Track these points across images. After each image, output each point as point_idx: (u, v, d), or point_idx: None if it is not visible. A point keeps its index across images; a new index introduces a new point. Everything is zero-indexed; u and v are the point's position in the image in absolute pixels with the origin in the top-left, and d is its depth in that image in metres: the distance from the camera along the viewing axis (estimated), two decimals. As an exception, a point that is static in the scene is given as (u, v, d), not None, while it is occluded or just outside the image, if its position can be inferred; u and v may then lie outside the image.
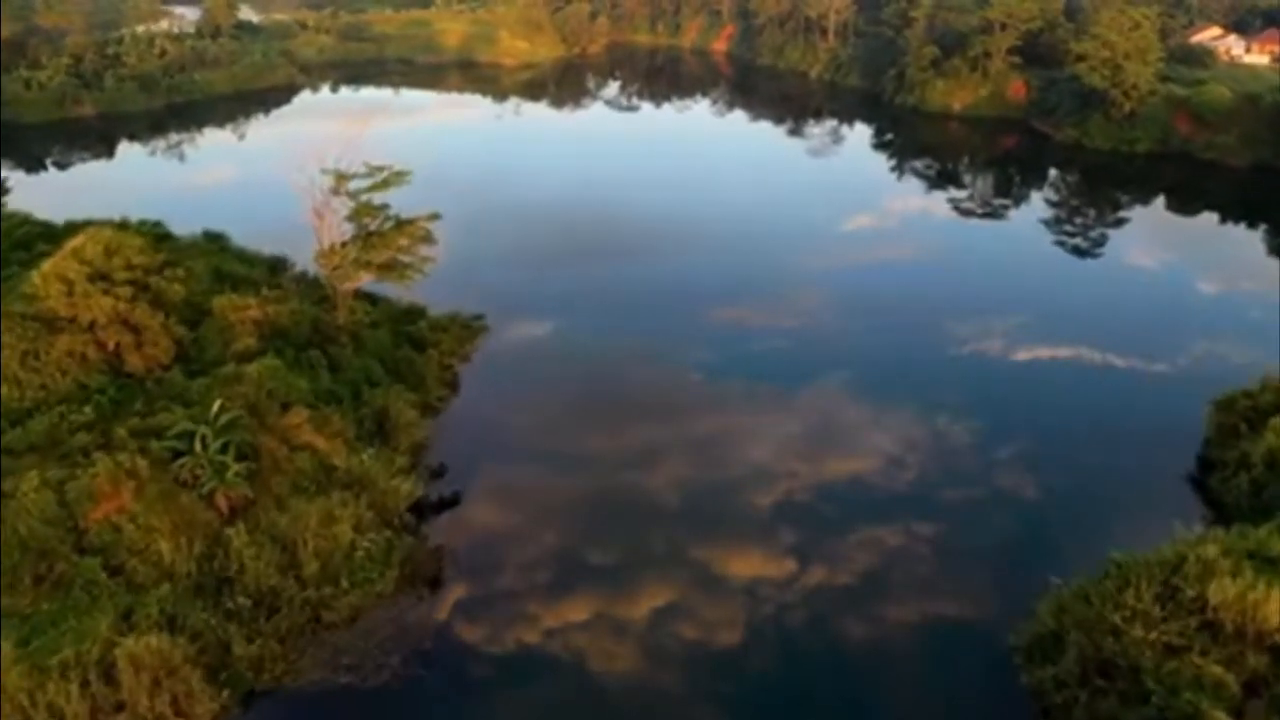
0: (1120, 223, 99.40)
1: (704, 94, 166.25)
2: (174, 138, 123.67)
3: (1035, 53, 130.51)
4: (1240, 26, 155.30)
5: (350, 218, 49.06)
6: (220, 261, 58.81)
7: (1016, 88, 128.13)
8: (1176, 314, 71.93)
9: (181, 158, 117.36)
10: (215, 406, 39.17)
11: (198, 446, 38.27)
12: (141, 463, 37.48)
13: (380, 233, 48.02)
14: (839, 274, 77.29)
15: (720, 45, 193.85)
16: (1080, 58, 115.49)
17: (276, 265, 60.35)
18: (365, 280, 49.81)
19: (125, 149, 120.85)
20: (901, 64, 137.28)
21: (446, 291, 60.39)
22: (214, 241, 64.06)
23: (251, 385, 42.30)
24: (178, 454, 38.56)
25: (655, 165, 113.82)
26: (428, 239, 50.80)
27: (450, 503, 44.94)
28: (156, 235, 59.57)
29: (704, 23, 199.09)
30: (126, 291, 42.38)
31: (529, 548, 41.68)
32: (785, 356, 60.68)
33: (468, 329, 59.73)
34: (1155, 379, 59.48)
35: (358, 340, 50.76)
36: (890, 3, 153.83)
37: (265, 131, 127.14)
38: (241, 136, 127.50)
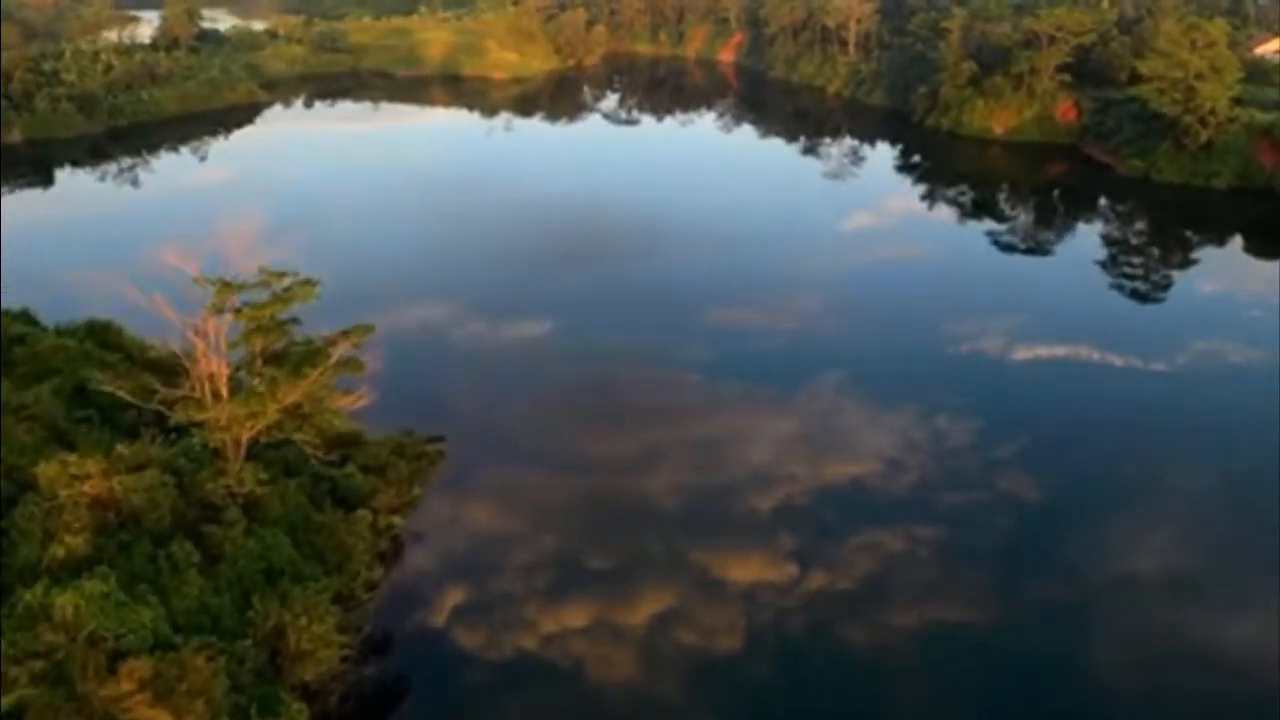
0: (1188, 264, 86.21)
1: (709, 108, 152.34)
2: (116, 166, 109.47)
3: (1086, 69, 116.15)
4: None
5: (240, 342, 34.59)
6: (92, 372, 44.30)
7: (1066, 109, 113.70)
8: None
9: (135, 182, 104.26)
10: (-19, 692, 24.81)
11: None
12: None
13: (276, 379, 33.28)
14: (852, 313, 69.85)
15: (727, 56, 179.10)
16: (1142, 77, 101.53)
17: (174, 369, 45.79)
18: (259, 429, 34.99)
19: (67, 177, 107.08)
20: (934, 81, 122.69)
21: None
22: (95, 336, 49.67)
23: (62, 629, 27.86)
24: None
25: (655, 180, 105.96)
26: (352, 366, 36.27)
27: (395, 693, 33.86)
28: (8, 338, 45.26)
29: (710, 31, 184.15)
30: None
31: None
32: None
33: (419, 459, 45.32)
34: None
35: (256, 508, 36.24)
36: (918, 12, 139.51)
37: (222, 155, 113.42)
38: (203, 158, 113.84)
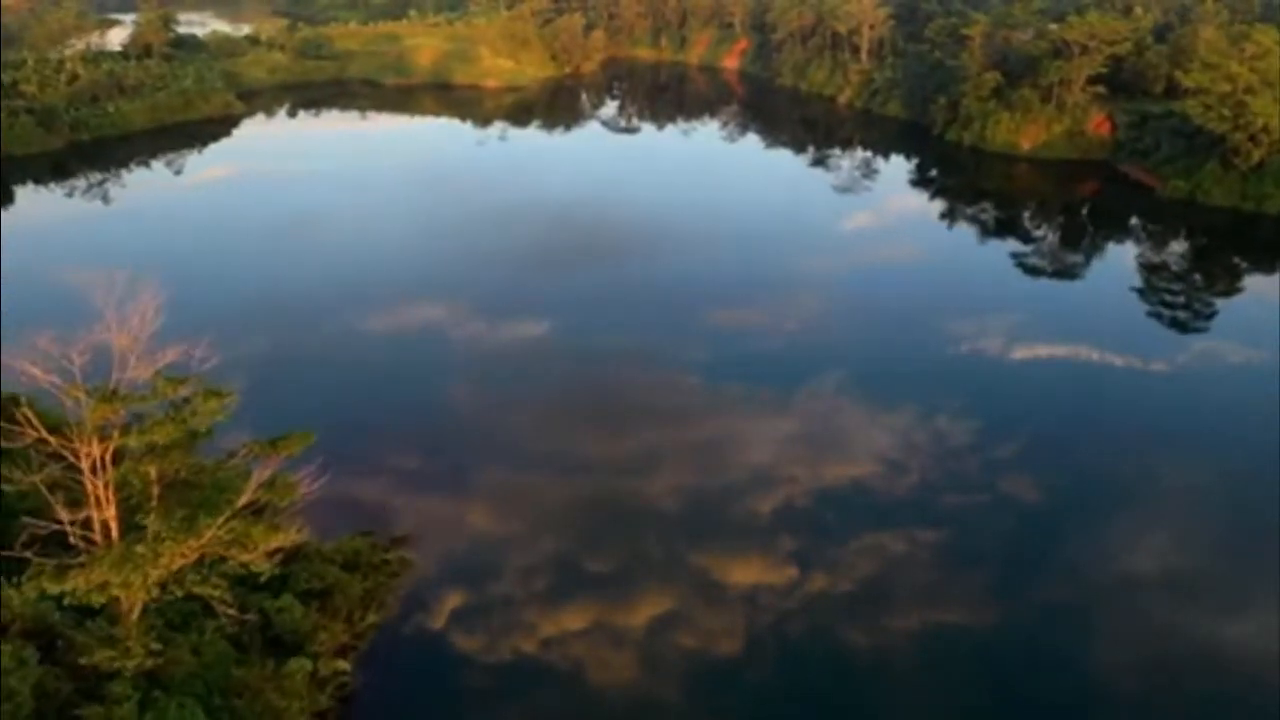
0: (1233, 291, 79.62)
1: (713, 116, 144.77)
2: (85, 181, 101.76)
3: (1118, 80, 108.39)
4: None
5: (128, 472, 26.57)
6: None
7: (1098, 123, 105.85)
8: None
9: (105, 199, 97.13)
10: None
11: None
12: None
13: (160, 535, 25.23)
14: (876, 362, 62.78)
15: (732, 62, 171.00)
16: (1181, 89, 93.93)
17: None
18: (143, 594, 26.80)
19: (29, 194, 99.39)
20: (954, 92, 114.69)
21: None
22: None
23: None
24: None
25: (653, 189, 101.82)
26: (281, 491, 28.34)
27: None
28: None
29: (713, 36, 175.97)
30: None
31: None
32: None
33: (377, 570, 37.54)
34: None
35: (160, 672, 28.33)
36: (934, 18, 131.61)
37: (197, 168, 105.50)
38: (179, 171, 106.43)
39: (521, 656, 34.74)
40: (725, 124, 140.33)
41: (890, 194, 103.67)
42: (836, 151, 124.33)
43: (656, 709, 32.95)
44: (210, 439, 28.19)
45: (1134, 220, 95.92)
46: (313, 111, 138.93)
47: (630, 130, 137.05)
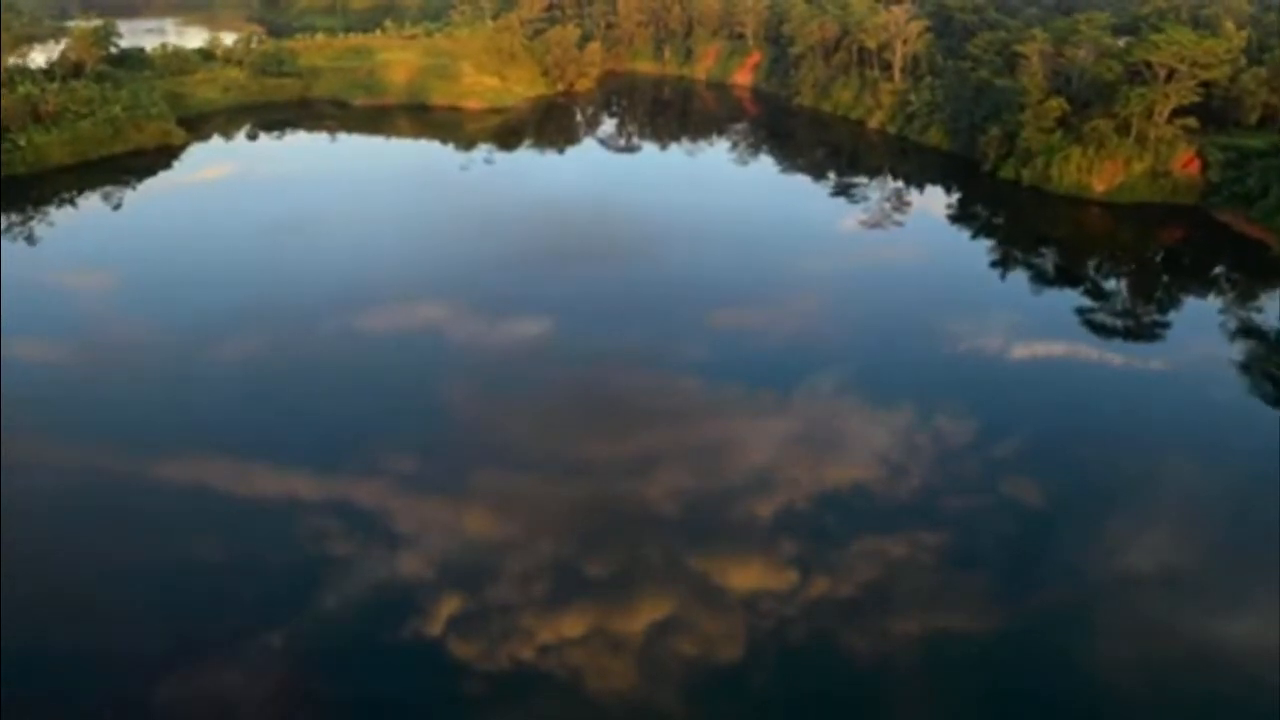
0: None
1: (721, 136, 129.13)
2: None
3: (1206, 109, 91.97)
4: None
5: None
6: None
7: (1186, 161, 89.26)
8: None
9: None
10: None
11: None
12: None
13: None
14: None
15: (743, 78, 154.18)
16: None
17: None
18: None
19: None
20: (1008, 121, 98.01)
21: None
22: None
23: None
24: None
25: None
26: None
27: None
28: None
29: (722, 49, 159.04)
30: None
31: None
32: None
33: None
34: None
35: None
36: (974, 29, 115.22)
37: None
38: (117, 206, 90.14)
39: (519, 663, 34.78)
40: (735, 146, 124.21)
41: (934, 239, 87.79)
42: (866, 181, 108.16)
43: (657, 716, 32.91)
44: None
45: (1223, 270, 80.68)
46: (274, 135, 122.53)
47: (630, 149, 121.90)
